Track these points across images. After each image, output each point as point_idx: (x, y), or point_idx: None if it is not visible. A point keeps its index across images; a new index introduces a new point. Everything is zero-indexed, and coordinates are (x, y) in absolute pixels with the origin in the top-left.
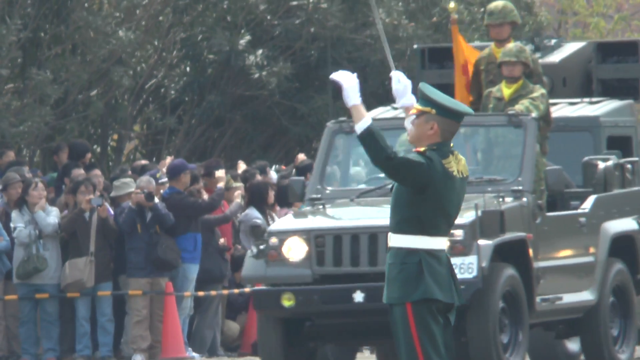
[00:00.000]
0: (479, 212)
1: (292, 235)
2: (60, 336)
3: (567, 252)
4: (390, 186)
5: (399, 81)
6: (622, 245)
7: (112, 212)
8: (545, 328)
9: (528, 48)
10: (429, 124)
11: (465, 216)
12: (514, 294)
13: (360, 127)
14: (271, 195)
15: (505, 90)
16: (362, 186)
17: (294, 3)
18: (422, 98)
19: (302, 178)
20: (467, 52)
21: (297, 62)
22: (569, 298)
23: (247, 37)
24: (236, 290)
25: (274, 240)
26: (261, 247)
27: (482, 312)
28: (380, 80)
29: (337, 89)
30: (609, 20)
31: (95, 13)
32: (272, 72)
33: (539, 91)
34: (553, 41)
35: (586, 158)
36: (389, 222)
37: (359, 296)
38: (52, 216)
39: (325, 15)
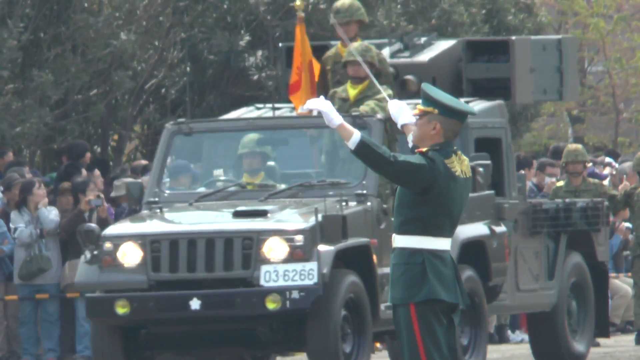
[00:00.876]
0: (320, 217)
1: (127, 240)
2: (61, 336)
3: None
4: (230, 188)
5: (393, 106)
6: (472, 251)
7: (112, 212)
8: (391, 337)
9: (374, 47)
10: (431, 123)
11: (305, 221)
12: (357, 302)
13: (352, 142)
14: None
15: (351, 90)
16: (202, 189)
17: (294, 4)
18: (425, 98)
19: (139, 181)
20: (310, 51)
21: None
22: None
23: (247, 38)
24: None
25: (108, 245)
26: (95, 252)
27: (322, 321)
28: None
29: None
30: (609, 20)
31: (96, 14)
32: (271, 75)
33: (386, 92)
34: (423, 39)
35: None
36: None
37: (195, 303)
38: (52, 214)
39: (324, 17)
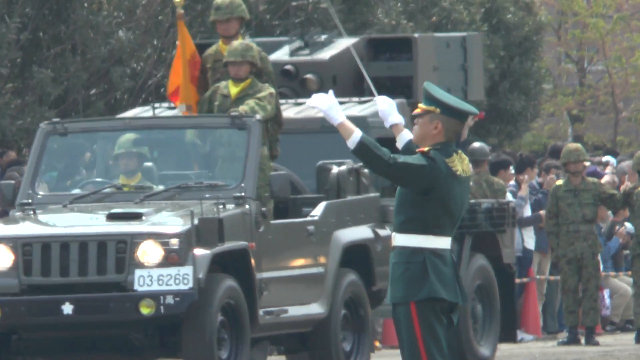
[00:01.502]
0: (196, 220)
1: None
2: None
3: (294, 262)
4: (105, 190)
5: (384, 102)
6: (355, 255)
7: None
8: (272, 343)
9: (255, 45)
10: (433, 123)
11: (181, 224)
12: (234, 307)
13: (352, 142)
14: None
15: (232, 88)
16: (77, 191)
17: (294, 3)
18: (427, 97)
19: (12, 181)
20: (193, 47)
21: None
22: (295, 311)
23: (247, 37)
24: None
25: None
26: None
27: (198, 326)
28: None
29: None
30: (609, 20)
31: (96, 13)
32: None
33: (267, 90)
34: (323, 37)
35: (320, 162)
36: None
37: (67, 308)
38: None
39: (324, 16)
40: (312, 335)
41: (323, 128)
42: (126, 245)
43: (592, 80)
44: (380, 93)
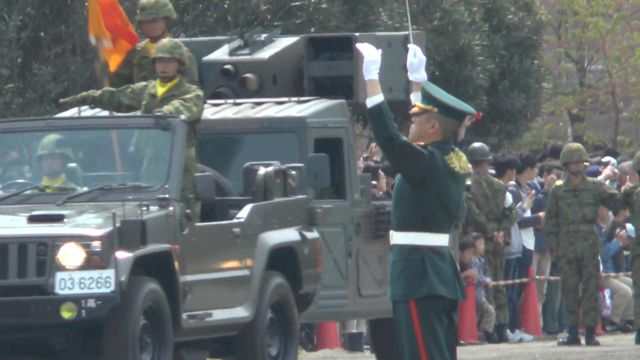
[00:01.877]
0: (118, 222)
1: None
2: None
3: (220, 265)
4: (27, 191)
5: (415, 55)
6: (282, 257)
7: None
8: (197, 347)
9: (183, 44)
10: (430, 122)
11: (103, 226)
12: (157, 310)
13: (371, 101)
14: None
15: (160, 88)
16: None
17: (295, 3)
18: (425, 96)
19: None
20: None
21: None
22: (220, 314)
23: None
24: None
25: None
26: None
27: (120, 330)
28: None
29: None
30: (609, 19)
31: None
32: None
33: (194, 92)
34: (263, 36)
35: (247, 164)
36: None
37: None
38: None
39: (326, 16)
40: (237, 340)
41: (262, 128)
42: (47, 247)
43: (592, 79)
44: (320, 93)
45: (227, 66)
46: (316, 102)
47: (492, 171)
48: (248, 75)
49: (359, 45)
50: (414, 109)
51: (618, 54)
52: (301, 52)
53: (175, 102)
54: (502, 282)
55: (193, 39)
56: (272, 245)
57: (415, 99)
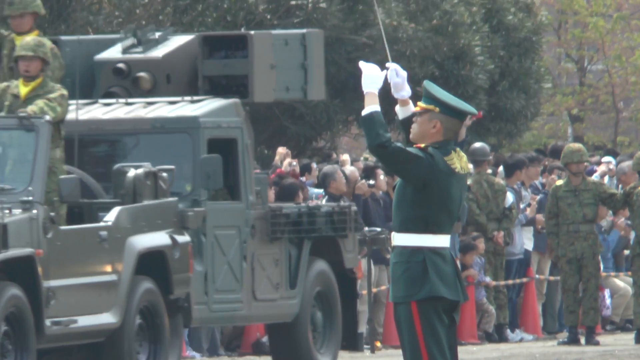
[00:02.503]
0: None
1: None
2: None
3: (86, 270)
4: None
5: (397, 74)
6: (152, 262)
7: None
8: (62, 354)
9: (49, 42)
10: (432, 122)
11: None
12: (19, 316)
13: (366, 110)
14: (269, 194)
15: (22, 88)
16: None
17: (294, 3)
18: (426, 96)
19: None
20: None
21: None
22: (86, 321)
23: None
24: None
25: None
26: None
27: None
28: None
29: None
30: (609, 19)
31: (96, 13)
32: None
33: (59, 92)
34: (157, 34)
35: (117, 165)
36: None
37: None
38: None
39: (324, 15)
40: (104, 346)
41: (153, 128)
42: None
43: (592, 79)
44: (215, 92)
45: (119, 65)
46: (210, 102)
47: (489, 171)
48: (141, 74)
49: (361, 64)
50: (416, 109)
51: (618, 53)
52: (196, 50)
53: (40, 102)
54: (502, 282)
55: (85, 37)
56: (141, 249)
57: (403, 113)
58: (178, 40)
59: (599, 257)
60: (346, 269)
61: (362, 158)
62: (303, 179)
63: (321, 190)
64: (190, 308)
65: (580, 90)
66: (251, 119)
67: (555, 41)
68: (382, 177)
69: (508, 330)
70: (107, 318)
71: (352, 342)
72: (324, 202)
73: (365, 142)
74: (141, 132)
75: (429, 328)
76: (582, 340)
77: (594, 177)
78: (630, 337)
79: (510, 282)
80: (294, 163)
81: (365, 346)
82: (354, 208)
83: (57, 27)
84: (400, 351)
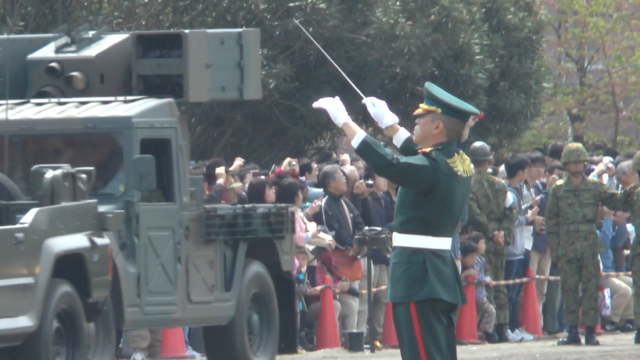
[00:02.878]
0: None
1: None
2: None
3: (1, 272)
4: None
5: (374, 105)
6: (70, 264)
7: None
8: None
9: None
10: (434, 123)
11: None
12: None
13: (355, 142)
14: (269, 193)
15: None
16: None
17: (293, 3)
18: (428, 97)
19: None
20: None
21: (296, 62)
22: (2, 324)
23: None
24: None
25: None
26: None
27: None
28: (378, 80)
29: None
30: (609, 19)
31: (96, 13)
32: (272, 73)
33: None
34: (91, 33)
35: (35, 167)
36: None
37: None
38: None
39: (324, 16)
40: (21, 350)
41: (86, 128)
42: None
43: (592, 79)
44: (149, 92)
45: (52, 64)
46: (143, 102)
47: (490, 170)
48: (74, 73)
49: (316, 105)
50: (418, 111)
51: (618, 53)
52: (130, 49)
53: None
54: (502, 282)
55: (19, 36)
56: (58, 251)
57: (397, 140)
58: (112, 39)
59: (599, 257)
60: (283, 271)
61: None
62: (303, 178)
63: (321, 190)
64: (110, 311)
65: (580, 90)
66: (251, 119)
67: (556, 41)
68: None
69: (508, 330)
70: (23, 322)
71: (290, 345)
72: (324, 201)
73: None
74: (73, 133)
75: (427, 329)
76: (582, 340)
77: (592, 177)
78: (630, 337)
79: (510, 282)
80: (294, 163)
81: (365, 346)
82: (292, 209)
83: (57, 27)
84: (399, 351)
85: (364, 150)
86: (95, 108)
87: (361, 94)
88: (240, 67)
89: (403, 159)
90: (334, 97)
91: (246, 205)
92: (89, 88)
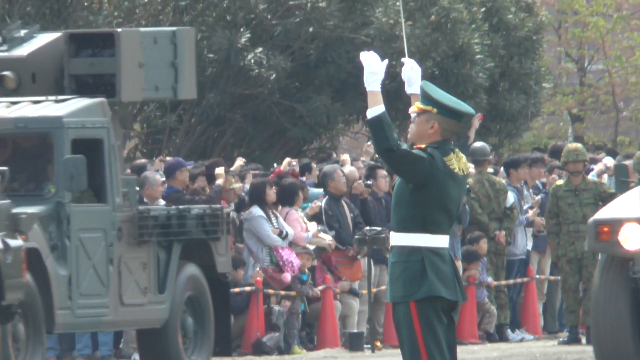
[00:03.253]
0: None
1: None
2: (60, 335)
3: None
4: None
5: (412, 68)
6: None
7: None
8: None
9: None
10: (429, 122)
11: None
12: None
13: (371, 112)
14: (270, 193)
15: None
16: None
17: (293, 2)
18: (424, 97)
19: None
20: None
21: (296, 62)
22: None
23: (247, 36)
24: (236, 290)
25: None
26: None
27: None
28: None
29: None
30: (609, 19)
31: (96, 13)
32: (270, 65)
33: None
34: (23, 32)
35: None
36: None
37: None
38: None
39: (324, 15)
40: None
41: (16, 128)
42: None
43: (592, 79)
44: (82, 91)
45: None
46: (75, 101)
47: (490, 170)
48: (5, 73)
49: (362, 56)
50: (414, 110)
51: (618, 53)
52: (62, 48)
53: None
54: (503, 282)
55: None
56: None
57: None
58: (44, 39)
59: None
60: (218, 273)
61: (361, 159)
62: (303, 178)
63: (321, 190)
64: (14, 314)
65: (580, 90)
66: (251, 119)
67: (556, 41)
68: (382, 177)
69: (509, 330)
70: None
71: (225, 348)
72: (324, 201)
73: (364, 142)
74: (4, 133)
75: (428, 328)
76: (583, 340)
77: (591, 176)
78: None
79: (510, 282)
80: (294, 163)
81: (365, 346)
82: (227, 210)
83: (57, 27)
84: (399, 350)
85: (376, 125)
86: (27, 108)
87: (406, 51)
88: (175, 67)
89: (404, 147)
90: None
91: (180, 207)
92: (21, 87)
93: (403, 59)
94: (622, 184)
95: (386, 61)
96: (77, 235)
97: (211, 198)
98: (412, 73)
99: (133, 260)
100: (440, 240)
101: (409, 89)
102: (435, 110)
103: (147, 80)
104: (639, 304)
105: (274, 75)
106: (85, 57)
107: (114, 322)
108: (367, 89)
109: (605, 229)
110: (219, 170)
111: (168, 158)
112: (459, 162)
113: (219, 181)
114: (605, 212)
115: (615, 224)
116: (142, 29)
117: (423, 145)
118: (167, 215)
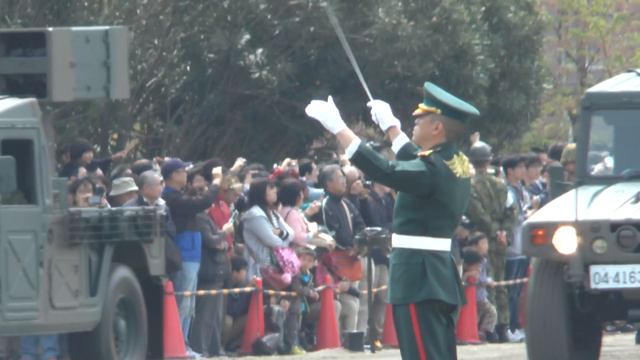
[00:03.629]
0: None
1: None
2: (60, 335)
3: None
4: None
5: (379, 107)
6: None
7: None
8: None
9: None
10: (433, 123)
11: None
12: None
13: (350, 151)
14: (270, 193)
15: None
16: None
17: (294, 2)
18: (427, 98)
19: None
20: None
21: (297, 62)
22: None
23: (247, 37)
24: (236, 290)
25: None
26: None
27: None
28: (379, 80)
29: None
30: (609, 19)
31: (96, 13)
32: (274, 70)
33: None
34: None
35: None
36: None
37: None
38: None
39: (324, 15)
40: None
41: None
42: None
43: (592, 79)
44: (12, 91)
45: None
46: (5, 102)
47: (491, 170)
48: None
49: (308, 112)
50: (417, 111)
51: (618, 53)
52: None
53: None
54: (503, 283)
55: None
56: None
57: (396, 145)
58: None
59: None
60: (151, 276)
61: None
62: (303, 178)
63: (322, 190)
64: None
65: (580, 90)
66: (251, 119)
67: (556, 41)
68: None
69: (509, 331)
70: None
71: (157, 351)
72: (324, 202)
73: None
74: None
75: (427, 330)
76: None
77: None
78: (630, 337)
79: (511, 282)
80: (293, 163)
81: (365, 346)
82: (160, 212)
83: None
84: (399, 351)
85: (360, 160)
86: None
87: (368, 93)
88: (107, 66)
89: (399, 167)
90: (330, 97)
91: (112, 208)
92: None
93: (368, 103)
94: (557, 186)
95: (330, 98)
96: (6, 237)
97: (208, 198)
98: (381, 111)
99: (64, 263)
100: (442, 244)
101: (384, 126)
102: (439, 111)
103: (78, 80)
104: (573, 308)
105: (276, 83)
106: (15, 57)
107: (44, 326)
108: (335, 132)
109: (540, 233)
110: (216, 170)
111: (167, 159)
112: (462, 166)
113: (216, 181)
114: (539, 216)
115: (549, 228)
116: (74, 28)
117: (426, 152)
118: (99, 217)
